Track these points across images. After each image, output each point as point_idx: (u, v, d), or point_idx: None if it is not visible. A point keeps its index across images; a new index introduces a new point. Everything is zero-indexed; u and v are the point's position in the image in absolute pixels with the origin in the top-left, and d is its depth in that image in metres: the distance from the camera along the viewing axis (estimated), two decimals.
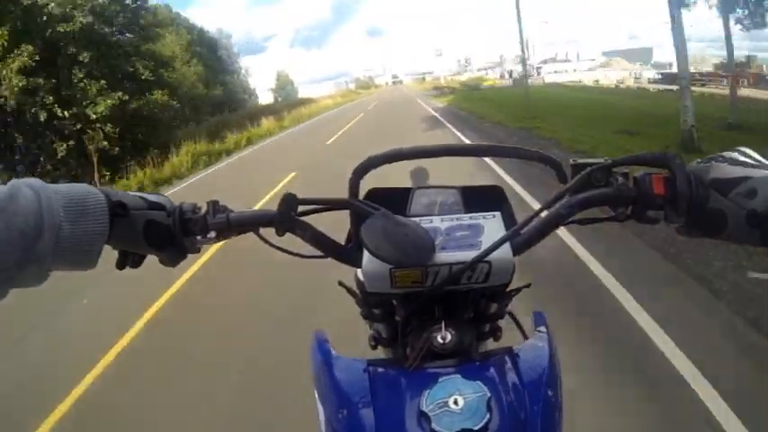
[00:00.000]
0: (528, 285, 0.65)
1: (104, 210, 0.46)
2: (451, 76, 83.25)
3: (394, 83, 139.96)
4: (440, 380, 0.46)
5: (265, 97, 55.00)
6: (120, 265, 0.54)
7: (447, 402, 0.43)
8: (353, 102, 39.63)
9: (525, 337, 0.63)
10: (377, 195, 0.66)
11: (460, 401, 0.43)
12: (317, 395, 0.56)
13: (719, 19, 10.68)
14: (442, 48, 53.57)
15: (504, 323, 0.67)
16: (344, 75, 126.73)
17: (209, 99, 25.23)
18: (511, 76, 45.97)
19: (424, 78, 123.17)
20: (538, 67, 45.99)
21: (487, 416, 0.43)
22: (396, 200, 0.67)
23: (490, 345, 0.67)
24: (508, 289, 0.59)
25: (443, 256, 0.51)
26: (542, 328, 0.59)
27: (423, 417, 0.44)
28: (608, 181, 0.52)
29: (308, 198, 0.56)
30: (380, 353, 0.76)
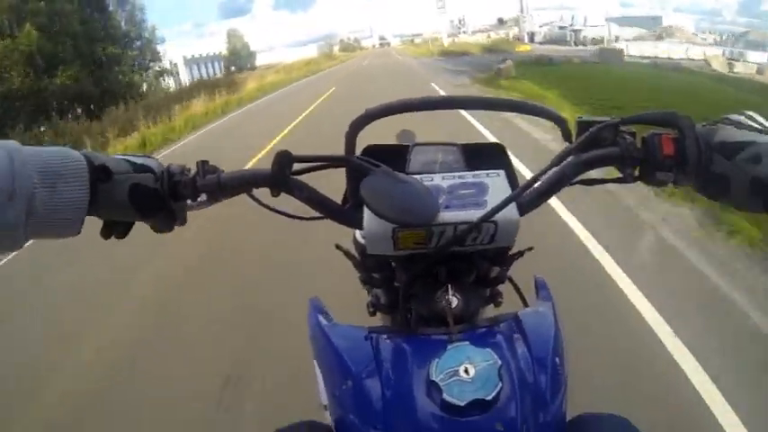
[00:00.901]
0: (531, 249, 0.65)
1: (84, 175, 0.43)
2: (450, 38, 73.75)
3: (381, 45, 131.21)
4: (449, 347, 0.45)
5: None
6: (106, 233, 0.51)
7: (458, 371, 0.42)
8: (322, 72, 29.81)
9: (525, 303, 0.63)
10: (373, 152, 0.61)
11: (471, 370, 0.42)
12: (316, 365, 0.54)
13: None
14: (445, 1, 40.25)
15: (504, 289, 0.65)
16: (330, 37, 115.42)
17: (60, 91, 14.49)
18: (532, 39, 36.72)
19: (412, 40, 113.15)
20: (575, 30, 35.92)
21: (499, 385, 0.42)
22: (394, 157, 0.62)
23: (490, 311, 0.65)
24: (510, 252, 0.58)
25: (448, 216, 0.48)
26: (544, 294, 0.59)
27: (432, 386, 0.42)
28: (615, 140, 0.50)
29: (303, 155, 0.52)
30: (378, 320, 0.73)
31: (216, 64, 54.48)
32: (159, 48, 21.64)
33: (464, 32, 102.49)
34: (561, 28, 38.64)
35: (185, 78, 50.19)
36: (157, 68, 21.57)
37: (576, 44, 32.12)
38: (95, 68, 16.46)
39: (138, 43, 20.31)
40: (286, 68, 32.71)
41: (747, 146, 0.44)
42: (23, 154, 0.40)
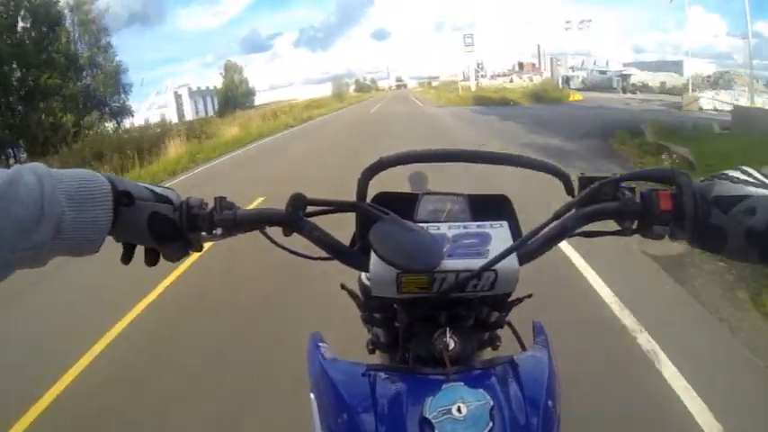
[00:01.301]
0: (530, 296, 0.66)
1: (109, 198, 0.45)
2: (461, 82, 71.05)
3: (398, 86, 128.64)
4: (443, 387, 0.47)
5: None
6: (126, 259, 0.53)
7: (450, 409, 0.44)
8: (311, 122, 22.17)
9: (523, 347, 0.65)
10: (384, 199, 0.66)
11: (464, 409, 0.44)
12: (313, 398, 0.56)
13: None
14: (472, 35, 36.04)
15: (503, 333, 0.67)
16: (347, 76, 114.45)
17: None
18: (567, 82, 32.44)
19: (429, 82, 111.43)
20: (623, 75, 30.93)
21: (490, 424, 0.43)
22: (403, 204, 0.65)
23: (488, 354, 0.66)
24: (510, 299, 0.60)
25: (451, 264, 0.50)
26: (541, 338, 0.61)
27: (425, 423, 0.44)
28: (615, 195, 0.52)
29: (316, 199, 0.55)
30: (378, 358, 0.75)
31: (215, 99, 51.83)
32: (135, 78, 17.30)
33: (482, 76, 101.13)
34: (602, 72, 33.97)
35: (190, 111, 48.11)
36: (116, 105, 17.19)
37: (624, 91, 27.56)
38: (16, 101, 12.27)
39: (97, 73, 16.24)
40: (284, 109, 28.09)
41: (743, 199, 0.45)
42: (53, 178, 0.42)
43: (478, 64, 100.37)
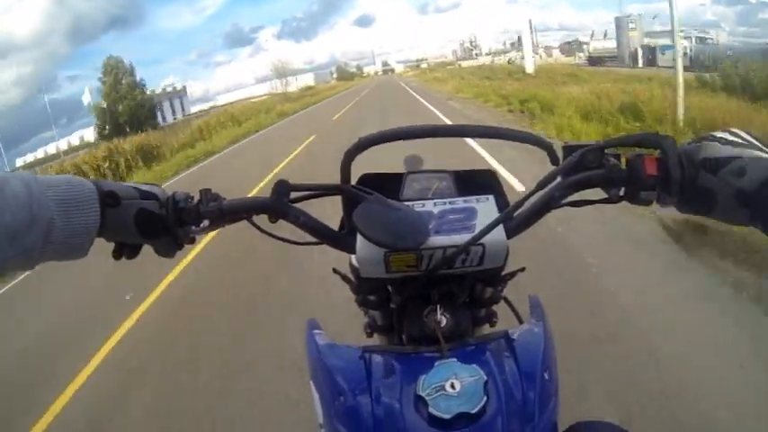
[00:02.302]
0: (522, 269, 0.66)
1: (95, 201, 0.46)
2: (459, 62, 64.08)
3: (384, 71, 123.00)
4: (436, 364, 0.47)
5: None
6: (117, 254, 0.54)
7: (444, 386, 0.44)
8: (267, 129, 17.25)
9: (520, 322, 0.65)
10: (369, 180, 0.65)
11: (457, 385, 0.44)
12: (312, 384, 0.56)
13: None
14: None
15: (501, 308, 0.67)
16: (333, 64, 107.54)
17: None
18: (598, 61, 25.47)
19: (418, 65, 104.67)
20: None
21: (484, 399, 0.43)
22: (388, 185, 0.65)
23: (486, 330, 0.66)
24: (503, 273, 0.59)
25: (437, 240, 0.51)
26: (538, 312, 0.61)
27: (419, 401, 0.44)
28: (600, 163, 0.52)
29: (300, 184, 0.56)
30: (376, 340, 0.76)
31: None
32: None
33: (477, 55, 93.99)
34: (703, 40, 25.44)
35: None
36: None
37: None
38: None
39: None
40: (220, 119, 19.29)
41: (732, 160, 0.45)
42: (40, 184, 0.42)
43: (471, 42, 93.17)
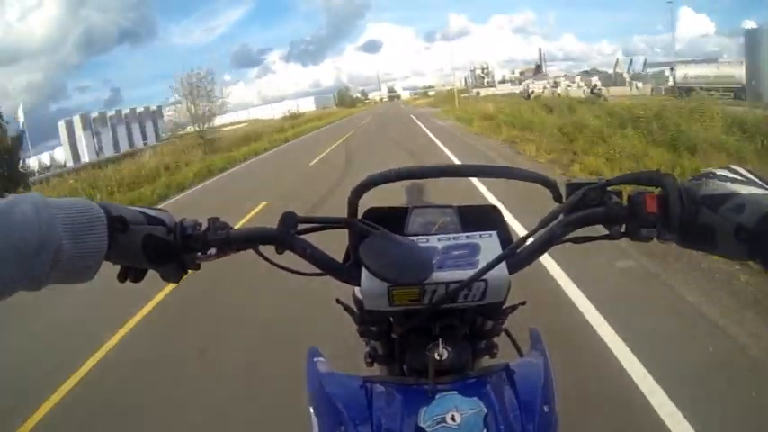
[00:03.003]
0: (523, 303, 0.67)
1: (104, 226, 0.45)
2: (477, 89, 58.02)
3: (390, 98, 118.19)
4: (437, 396, 0.48)
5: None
6: (122, 278, 0.54)
7: (444, 418, 0.45)
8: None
9: (521, 354, 0.66)
10: (375, 214, 0.67)
11: (458, 417, 0.45)
12: (312, 411, 0.56)
13: None
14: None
15: (501, 340, 0.68)
16: (340, 89, 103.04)
17: None
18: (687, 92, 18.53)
19: (426, 92, 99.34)
20: None
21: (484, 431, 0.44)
22: (393, 219, 0.67)
23: (486, 361, 0.67)
24: (504, 306, 0.60)
25: (441, 275, 0.51)
26: (538, 345, 0.62)
27: None
28: (602, 200, 0.53)
29: (307, 217, 0.57)
30: (376, 370, 0.76)
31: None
32: None
33: (488, 83, 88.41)
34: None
35: (88, 148, 34.60)
36: None
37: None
38: None
39: None
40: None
41: (731, 197, 0.45)
42: (50, 207, 0.42)
43: (483, 69, 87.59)
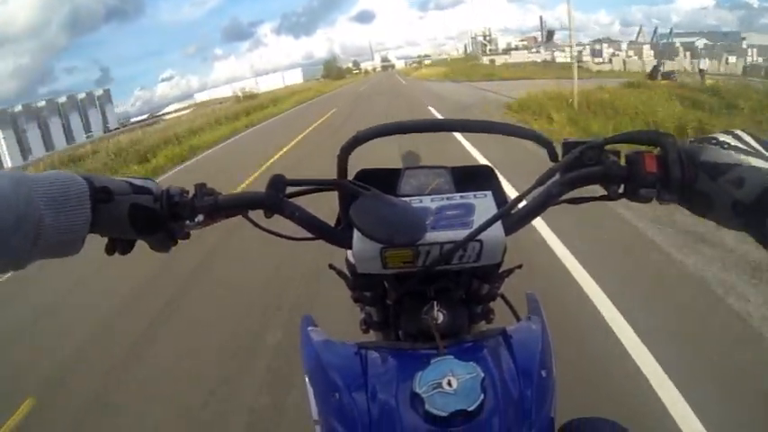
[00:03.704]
0: (520, 266, 0.65)
1: (86, 197, 0.44)
2: (491, 56, 50.41)
3: (384, 67, 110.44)
4: (432, 361, 0.46)
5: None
6: (110, 250, 0.52)
7: (440, 383, 0.44)
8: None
9: (518, 319, 0.65)
10: (366, 176, 0.66)
11: (454, 382, 0.43)
12: (307, 380, 0.55)
13: None
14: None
15: (497, 305, 0.67)
16: (333, 60, 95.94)
17: None
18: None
19: (421, 62, 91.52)
20: None
21: (481, 396, 0.43)
22: (385, 180, 0.66)
23: (483, 327, 0.66)
24: (500, 270, 0.60)
25: (434, 236, 0.50)
26: (535, 310, 0.60)
27: (416, 398, 0.44)
28: (599, 159, 0.51)
29: (296, 179, 0.55)
30: (372, 337, 0.75)
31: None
32: None
33: (492, 51, 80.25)
34: None
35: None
36: None
37: None
38: None
39: None
40: None
41: (732, 168, 0.44)
42: (28, 182, 0.41)
43: (485, 36, 79.23)
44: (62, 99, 32.53)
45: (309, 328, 0.60)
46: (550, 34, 61.24)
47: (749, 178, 0.43)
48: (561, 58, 40.01)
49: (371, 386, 0.48)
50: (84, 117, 33.00)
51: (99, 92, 34.71)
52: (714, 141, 0.47)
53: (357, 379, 0.49)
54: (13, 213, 0.38)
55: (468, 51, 78.23)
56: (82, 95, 33.83)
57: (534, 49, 52.51)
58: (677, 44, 35.36)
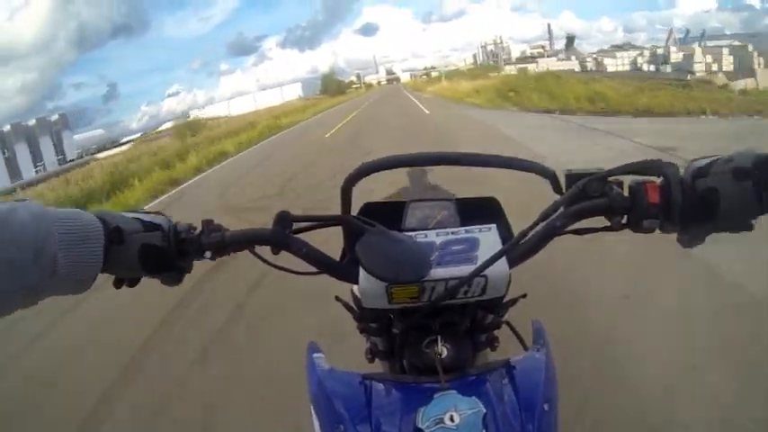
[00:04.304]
0: (524, 296, 0.66)
1: (101, 237, 0.45)
2: (514, 65, 44.88)
3: (389, 81, 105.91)
4: (435, 396, 0.47)
5: None
6: (117, 284, 0.53)
7: (443, 419, 0.44)
8: None
9: (525, 347, 0.64)
10: (370, 210, 0.66)
11: (456, 418, 0.44)
12: (312, 409, 0.55)
13: None
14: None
15: (502, 333, 0.67)
16: (337, 74, 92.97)
17: None
18: None
19: (428, 74, 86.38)
20: None
21: None
22: (390, 213, 0.66)
23: (487, 354, 0.67)
24: (504, 300, 0.60)
25: (440, 272, 0.50)
26: (540, 338, 0.60)
27: None
28: (603, 191, 0.51)
29: (302, 216, 0.56)
30: (377, 366, 0.76)
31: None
32: None
33: (505, 60, 74.82)
34: None
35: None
36: None
37: None
38: None
39: None
40: None
41: (719, 158, 0.46)
42: (48, 217, 0.41)
43: (496, 43, 73.78)
44: (6, 128, 27.05)
45: (315, 356, 0.60)
46: (570, 40, 55.61)
47: (738, 156, 0.44)
48: (594, 66, 34.43)
49: (375, 419, 0.48)
50: (29, 146, 27.50)
51: (54, 117, 29.32)
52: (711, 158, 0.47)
53: (361, 411, 0.49)
54: (31, 247, 0.38)
55: (480, 62, 72.78)
56: (32, 122, 28.39)
57: (562, 56, 46.83)
58: (725, 48, 29.45)
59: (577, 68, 36.54)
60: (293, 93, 76.50)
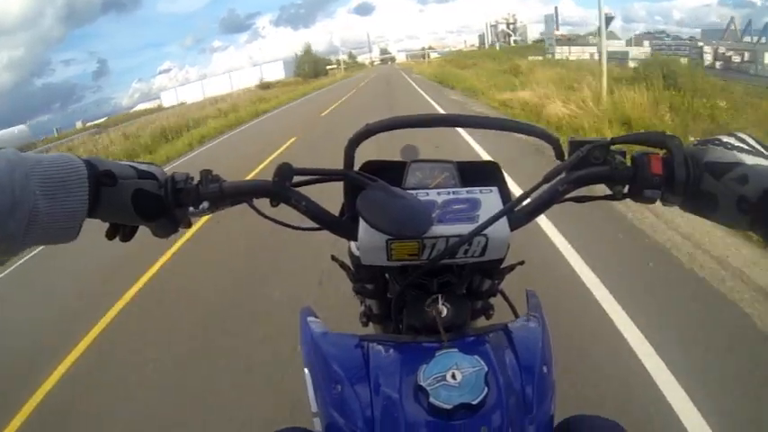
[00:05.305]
0: (522, 263, 0.66)
1: (84, 183, 0.43)
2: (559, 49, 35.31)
3: (383, 60, 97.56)
4: (437, 354, 0.47)
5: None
6: (110, 235, 0.52)
7: (445, 376, 0.44)
8: None
9: (516, 315, 0.65)
10: (372, 167, 0.66)
11: (458, 375, 0.44)
12: (306, 372, 0.55)
13: None
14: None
15: (496, 301, 0.67)
16: (332, 53, 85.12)
17: None
18: None
19: (425, 55, 76.31)
20: None
21: (485, 390, 0.43)
22: (391, 173, 0.65)
23: (481, 323, 0.66)
24: (502, 266, 0.60)
25: (440, 229, 0.50)
26: (534, 307, 0.61)
27: (420, 391, 0.44)
28: (606, 159, 0.51)
29: (303, 168, 0.55)
30: (371, 330, 0.74)
31: None
32: None
33: (516, 42, 64.95)
34: None
35: None
36: None
37: None
38: None
39: None
40: None
41: (735, 167, 0.44)
42: (26, 164, 0.40)
43: (509, 23, 62.80)
44: None
45: (309, 319, 0.59)
46: (609, 19, 46.04)
47: (753, 176, 0.42)
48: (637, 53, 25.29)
49: (374, 378, 0.48)
50: None
51: None
52: (717, 143, 0.46)
53: (359, 371, 0.49)
54: (7, 197, 0.37)
55: (488, 42, 62.73)
56: None
57: (592, 39, 37.35)
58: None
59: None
60: (277, 72, 66.07)
